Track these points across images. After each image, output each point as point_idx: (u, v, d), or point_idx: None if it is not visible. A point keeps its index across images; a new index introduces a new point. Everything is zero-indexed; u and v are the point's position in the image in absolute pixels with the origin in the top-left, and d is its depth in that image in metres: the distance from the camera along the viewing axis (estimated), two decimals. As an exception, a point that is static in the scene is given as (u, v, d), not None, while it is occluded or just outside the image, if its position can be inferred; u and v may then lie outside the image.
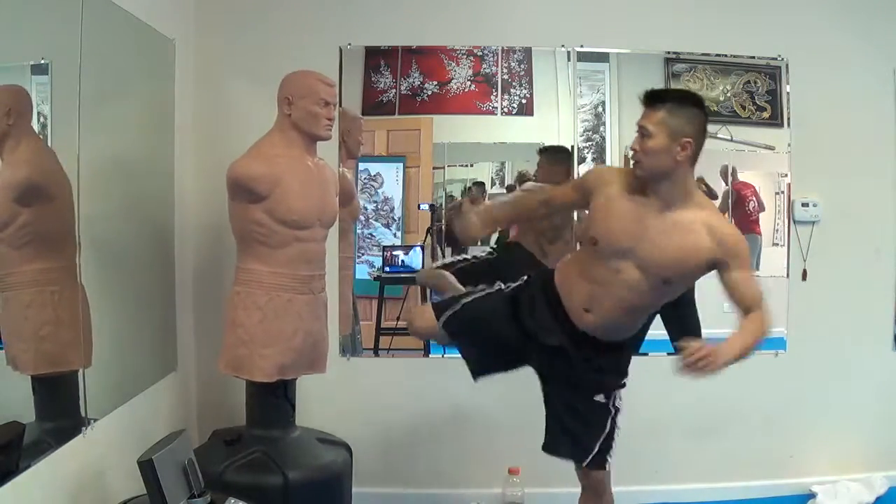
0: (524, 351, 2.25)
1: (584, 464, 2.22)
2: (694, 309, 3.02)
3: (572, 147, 3.12)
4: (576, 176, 3.08)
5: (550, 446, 2.27)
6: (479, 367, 2.31)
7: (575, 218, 3.09)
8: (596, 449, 2.19)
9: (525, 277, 2.30)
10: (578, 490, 2.32)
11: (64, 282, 2.00)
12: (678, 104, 1.98)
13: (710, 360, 1.85)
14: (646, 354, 3.15)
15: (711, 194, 3.08)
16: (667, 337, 3.00)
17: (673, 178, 2.00)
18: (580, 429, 2.22)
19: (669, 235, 2.01)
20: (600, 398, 2.20)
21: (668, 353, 3.09)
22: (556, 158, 3.14)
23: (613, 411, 2.21)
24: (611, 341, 2.18)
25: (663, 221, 2.02)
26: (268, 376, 2.41)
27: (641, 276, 2.04)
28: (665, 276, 2.05)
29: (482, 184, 3.22)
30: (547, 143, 3.15)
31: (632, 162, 2.04)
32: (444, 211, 3.19)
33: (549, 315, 2.19)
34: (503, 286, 2.28)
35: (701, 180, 3.00)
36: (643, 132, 1.99)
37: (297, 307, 2.44)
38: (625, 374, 2.24)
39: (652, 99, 2.01)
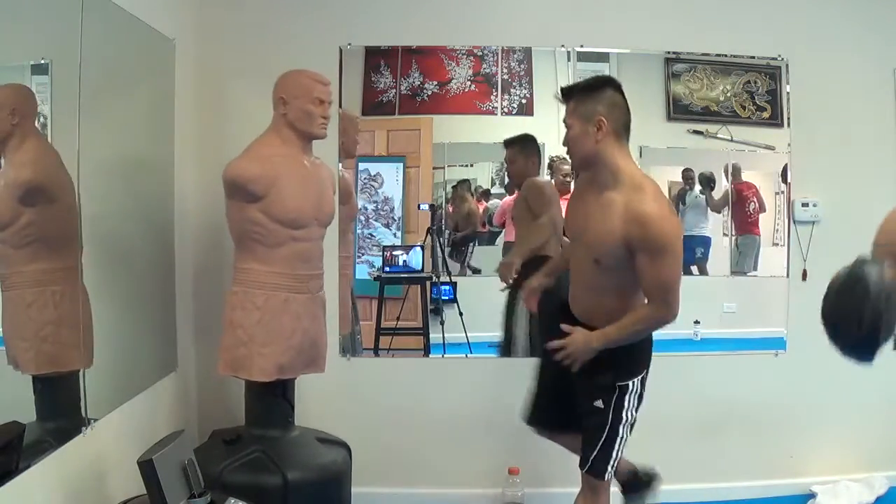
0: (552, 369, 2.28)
1: (584, 469, 2.20)
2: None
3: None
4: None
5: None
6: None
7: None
8: (593, 455, 2.17)
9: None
10: (577, 490, 2.32)
11: (66, 282, 2.00)
12: (584, 91, 2.12)
13: (570, 356, 2.14)
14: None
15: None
16: (664, 337, 3.01)
17: (601, 160, 2.09)
18: (583, 434, 2.22)
19: (597, 217, 2.09)
20: (599, 404, 2.18)
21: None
22: (529, 149, 3.12)
23: (612, 418, 2.16)
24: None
25: (599, 203, 2.10)
26: (267, 375, 2.41)
27: (585, 257, 2.15)
28: (594, 256, 2.12)
29: (466, 181, 3.23)
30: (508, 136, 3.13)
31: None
32: (442, 212, 3.20)
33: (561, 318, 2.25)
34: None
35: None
36: (566, 127, 2.15)
37: (294, 306, 2.44)
38: (620, 375, 2.18)
39: (564, 96, 2.17)
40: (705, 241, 3.25)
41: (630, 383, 2.18)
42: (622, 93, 2.12)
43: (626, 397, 2.17)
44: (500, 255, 3.20)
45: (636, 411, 2.21)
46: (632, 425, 2.22)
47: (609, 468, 2.19)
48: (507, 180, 3.22)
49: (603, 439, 2.17)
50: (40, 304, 1.92)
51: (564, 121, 2.16)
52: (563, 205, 3.04)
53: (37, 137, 1.90)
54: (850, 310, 1.43)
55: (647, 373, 2.24)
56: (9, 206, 1.80)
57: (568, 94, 2.16)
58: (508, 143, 3.13)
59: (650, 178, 2.14)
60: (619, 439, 2.18)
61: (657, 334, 2.23)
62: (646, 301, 2.13)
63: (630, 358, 2.19)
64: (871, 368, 3.18)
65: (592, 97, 2.09)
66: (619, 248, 2.04)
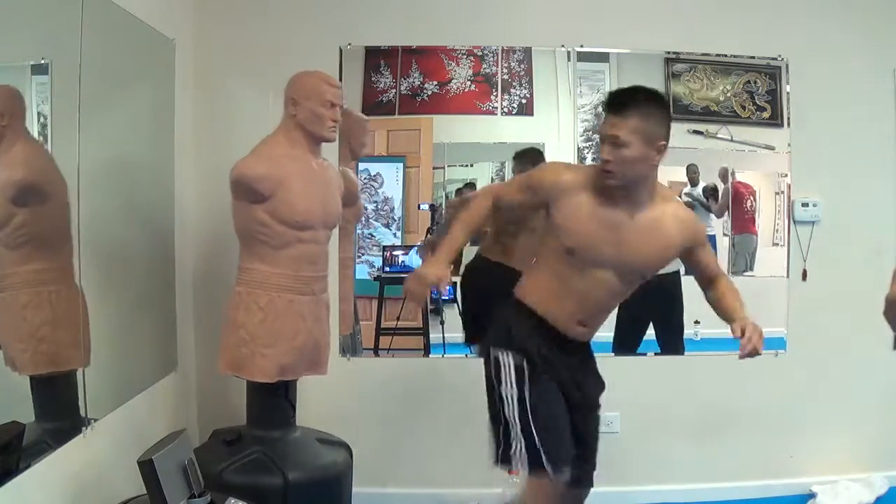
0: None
1: None
2: (681, 307, 3.10)
3: (574, 146, 3.12)
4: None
5: None
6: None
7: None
8: None
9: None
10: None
11: (61, 282, 2.00)
12: (648, 107, 1.92)
13: (756, 340, 1.95)
14: (644, 355, 3.17)
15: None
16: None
17: (648, 182, 2.01)
18: None
19: (645, 237, 2.03)
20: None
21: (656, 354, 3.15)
22: (538, 162, 3.04)
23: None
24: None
25: (637, 224, 2.02)
26: (269, 376, 2.41)
27: (619, 280, 2.08)
28: (645, 274, 2.11)
29: (473, 184, 3.22)
30: (520, 148, 3.11)
31: (603, 171, 1.96)
32: (443, 211, 3.20)
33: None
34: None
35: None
36: (616, 142, 1.90)
37: (298, 308, 2.44)
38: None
39: (620, 105, 1.93)
40: (711, 241, 3.24)
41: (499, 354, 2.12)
42: (668, 110, 2.03)
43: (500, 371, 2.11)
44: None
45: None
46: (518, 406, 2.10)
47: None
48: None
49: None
50: (36, 305, 1.92)
51: (617, 135, 1.90)
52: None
53: (27, 138, 1.90)
54: None
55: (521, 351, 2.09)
56: (1, 207, 1.80)
57: (626, 105, 1.91)
58: (519, 156, 3.10)
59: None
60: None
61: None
62: None
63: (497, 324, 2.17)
64: (871, 368, 3.20)
65: (657, 117, 1.92)
66: (674, 256, 2.12)
